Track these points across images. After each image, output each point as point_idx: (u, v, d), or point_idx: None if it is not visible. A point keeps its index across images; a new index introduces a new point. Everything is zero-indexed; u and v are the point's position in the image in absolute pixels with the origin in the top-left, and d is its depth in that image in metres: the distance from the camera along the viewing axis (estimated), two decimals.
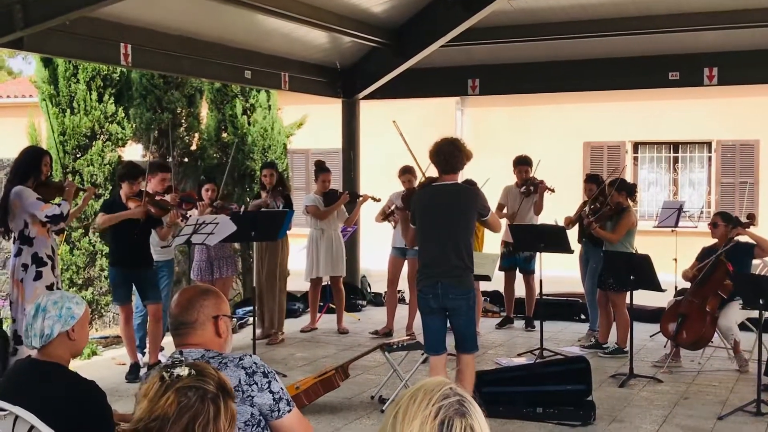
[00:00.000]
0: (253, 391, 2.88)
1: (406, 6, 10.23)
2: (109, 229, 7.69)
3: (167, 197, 7.90)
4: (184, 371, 2.09)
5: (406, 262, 9.43)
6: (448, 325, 5.98)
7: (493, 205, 8.11)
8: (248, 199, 9.76)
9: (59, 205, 6.69)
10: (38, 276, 6.65)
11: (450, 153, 5.84)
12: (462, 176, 6.36)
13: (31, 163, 6.77)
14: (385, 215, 9.39)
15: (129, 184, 7.57)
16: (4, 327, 7.17)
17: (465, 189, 6.03)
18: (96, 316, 9.78)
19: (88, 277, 9.77)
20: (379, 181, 11.77)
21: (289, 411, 2.95)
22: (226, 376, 2.21)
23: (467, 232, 5.84)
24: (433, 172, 6.28)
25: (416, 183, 9.21)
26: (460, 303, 5.77)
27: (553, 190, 9.40)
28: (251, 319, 8.92)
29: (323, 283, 10.02)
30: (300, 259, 9.85)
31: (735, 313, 7.77)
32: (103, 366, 7.96)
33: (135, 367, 7.63)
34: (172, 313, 3.04)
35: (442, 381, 1.78)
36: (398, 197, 9.45)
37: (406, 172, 9.28)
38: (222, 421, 2.07)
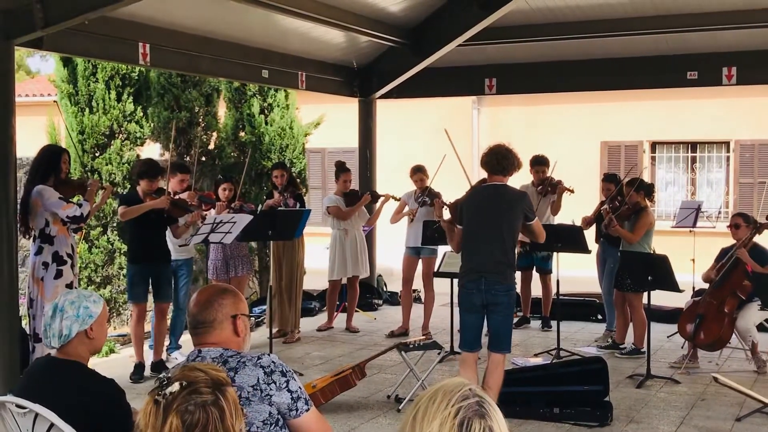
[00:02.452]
0: (271, 390, 2.88)
1: (423, 5, 10.22)
2: (127, 227, 7.71)
3: (185, 195, 7.94)
4: (175, 387, 2.05)
5: (420, 260, 9.44)
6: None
7: None
8: (265, 198, 9.78)
9: (80, 205, 6.72)
10: (59, 274, 6.68)
11: (503, 155, 5.98)
12: (479, 176, 6.37)
13: (50, 162, 6.79)
14: (421, 203, 9.16)
15: (148, 182, 7.61)
16: (23, 325, 7.22)
17: (513, 189, 6.13)
18: (114, 314, 9.83)
19: (107, 275, 9.82)
20: (396, 180, 11.77)
21: (307, 410, 2.96)
22: (220, 369, 2.18)
23: (513, 230, 5.95)
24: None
25: (428, 182, 9.23)
26: (502, 299, 5.87)
27: (572, 191, 9.38)
28: (266, 317, 8.99)
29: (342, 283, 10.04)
30: (316, 258, 9.86)
31: (753, 314, 7.74)
32: (121, 364, 8.00)
33: (140, 367, 7.65)
34: (191, 312, 3.05)
35: (461, 382, 1.78)
36: (410, 196, 9.46)
37: (418, 171, 9.29)
38: (228, 418, 2.06)
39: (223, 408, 2.06)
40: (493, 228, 5.92)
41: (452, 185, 8.81)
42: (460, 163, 7.29)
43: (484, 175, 6.40)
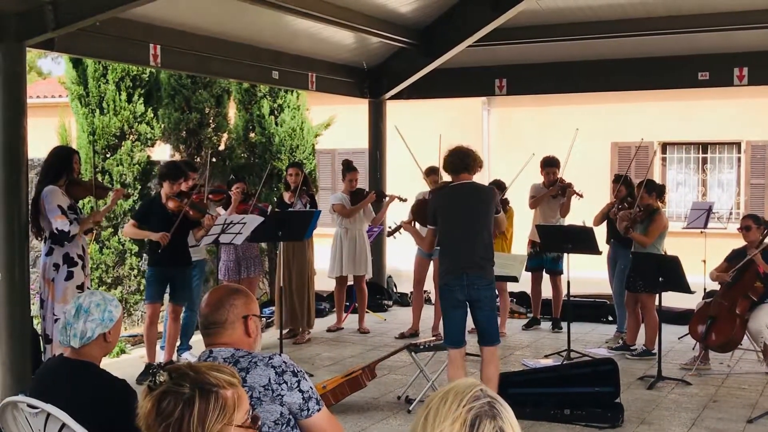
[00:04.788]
0: (282, 390, 2.89)
1: (434, 6, 10.21)
2: (148, 228, 7.71)
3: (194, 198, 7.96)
4: (163, 377, 2.08)
5: (431, 262, 9.44)
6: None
7: (524, 202, 8.20)
8: (275, 199, 9.80)
9: (71, 222, 6.66)
10: (69, 276, 6.67)
11: (464, 154, 6.12)
12: (489, 177, 6.41)
13: (62, 163, 6.78)
14: (390, 233, 9.39)
15: (170, 184, 7.63)
16: (35, 325, 7.24)
17: (483, 187, 6.31)
18: (125, 315, 9.87)
19: (117, 276, 9.85)
20: (406, 181, 11.76)
21: (318, 410, 2.96)
22: (226, 371, 2.17)
23: (489, 226, 6.10)
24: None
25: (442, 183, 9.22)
26: (484, 293, 5.99)
27: (581, 195, 9.36)
28: (275, 318, 9.02)
29: (348, 283, 10.05)
30: (327, 259, 9.87)
31: (765, 316, 7.67)
32: (131, 364, 8.01)
33: (149, 369, 7.64)
34: (203, 313, 3.06)
35: (473, 383, 1.78)
36: (424, 196, 9.45)
37: (432, 173, 9.28)
38: (210, 419, 2.04)
39: (208, 406, 2.04)
40: (472, 226, 6.03)
41: None
42: (415, 162, 7.35)
43: (492, 175, 6.45)
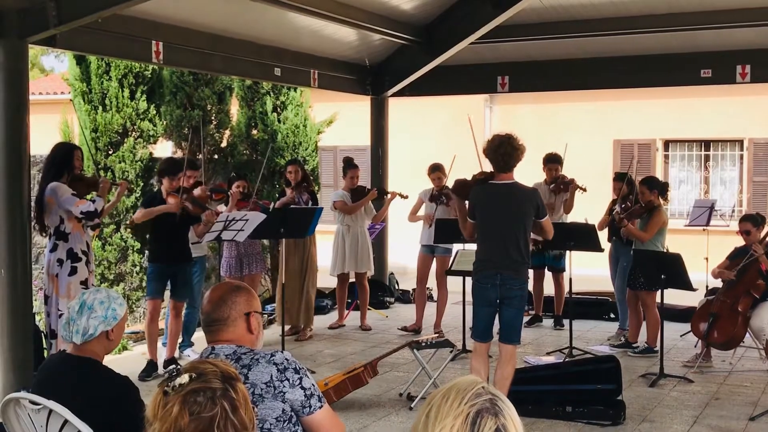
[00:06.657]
0: (284, 387, 2.89)
1: (436, 3, 10.21)
2: (148, 227, 7.73)
3: (196, 191, 7.96)
4: (184, 378, 2.04)
5: (434, 259, 9.44)
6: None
7: None
8: (277, 196, 9.81)
9: (93, 201, 6.75)
10: (73, 271, 6.69)
11: (509, 154, 6.01)
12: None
13: (63, 159, 6.81)
14: (436, 201, 9.31)
15: (169, 180, 7.66)
16: (37, 321, 7.24)
17: (524, 188, 6.20)
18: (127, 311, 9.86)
19: (120, 273, 9.85)
20: (408, 178, 11.77)
21: (320, 407, 2.96)
22: (227, 363, 2.17)
23: (526, 228, 6.06)
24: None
25: (445, 181, 9.21)
26: (516, 293, 5.99)
27: (584, 189, 9.35)
28: (277, 315, 9.01)
29: (350, 280, 10.05)
30: (328, 256, 9.88)
31: (767, 313, 7.69)
32: (132, 361, 8.02)
33: (151, 365, 7.66)
34: (205, 310, 3.06)
35: (474, 380, 1.78)
36: (427, 194, 9.46)
37: (436, 170, 9.28)
38: (239, 410, 2.05)
39: (234, 401, 2.05)
40: (508, 227, 5.99)
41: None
42: (477, 154, 7.22)
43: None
